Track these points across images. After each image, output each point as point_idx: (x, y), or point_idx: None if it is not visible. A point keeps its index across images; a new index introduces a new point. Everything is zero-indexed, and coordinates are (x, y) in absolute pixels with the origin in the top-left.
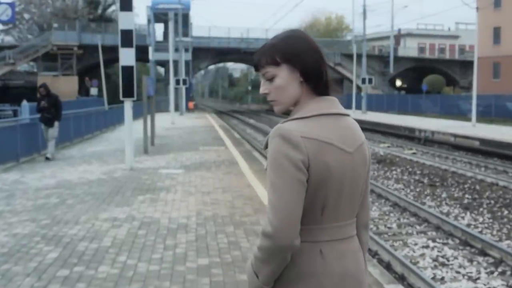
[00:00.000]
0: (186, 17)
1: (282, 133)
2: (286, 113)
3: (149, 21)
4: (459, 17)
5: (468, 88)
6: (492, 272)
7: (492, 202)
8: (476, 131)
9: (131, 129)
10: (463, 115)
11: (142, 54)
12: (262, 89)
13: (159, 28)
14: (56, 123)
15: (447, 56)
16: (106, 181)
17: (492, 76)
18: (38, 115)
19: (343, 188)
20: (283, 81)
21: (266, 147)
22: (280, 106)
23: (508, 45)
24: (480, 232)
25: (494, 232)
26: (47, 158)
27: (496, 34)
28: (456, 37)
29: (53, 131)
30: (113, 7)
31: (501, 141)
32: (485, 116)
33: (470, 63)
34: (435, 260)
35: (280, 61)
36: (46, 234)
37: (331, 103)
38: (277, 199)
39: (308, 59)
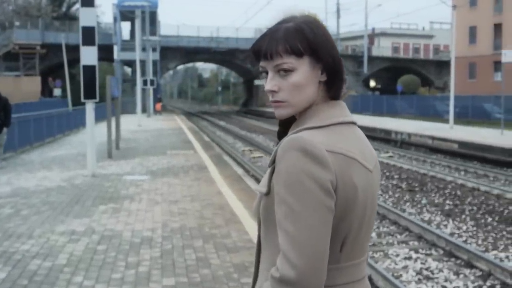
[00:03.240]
0: (153, 15)
1: (304, 146)
2: (285, 121)
3: (115, 19)
4: (434, 16)
5: (443, 88)
6: (480, 286)
7: (475, 208)
8: (454, 133)
9: (93, 132)
10: (439, 117)
11: (108, 53)
12: (271, 85)
13: (125, 26)
14: (5, 130)
15: (421, 56)
16: (66, 189)
17: (468, 76)
18: None
19: (364, 217)
20: (303, 78)
21: (273, 162)
22: (289, 110)
23: (484, 44)
24: (465, 241)
25: (480, 242)
26: None
27: (472, 33)
28: (430, 36)
29: (1, 138)
30: (77, 5)
31: (480, 143)
32: (462, 117)
33: (445, 63)
34: (419, 273)
35: (303, 52)
36: None
37: (344, 109)
38: (301, 232)
39: (334, 53)
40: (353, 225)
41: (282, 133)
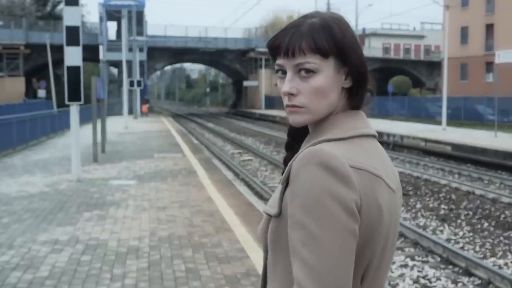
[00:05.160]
0: (140, 15)
1: (325, 160)
2: (295, 131)
3: (101, 19)
4: (424, 16)
5: (434, 89)
6: None
7: (471, 213)
8: (447, 135)
9: (77, 136)
10: (431, 118)
11: (94, 54)
12: (289, 87)
13: (111, 26)
14: None
15: (412, 56)
16: (49, 194)
17: (460, 77)
18: None
19: (387, 244)
20: (326, 82)
21: (286, 179)
22: (307, 117)
23: (476, 45)
24: (462, 248)
25: (477, 248)
26: None
27: (464, 34)
28: (421, 37)
29: None
30: (62, 4)
31: (474, 146)
32: (454, 119)
33: (436, 64)
34: (416, 281)
35: (329, 52)
36: None
37: (366, 121)
38: (321, 261)
39: (361, 55)
40: (375, 253)
41: (291, 145)
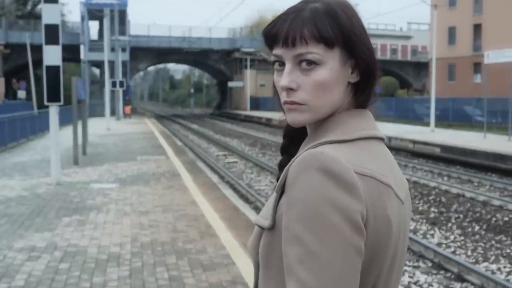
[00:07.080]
0: (123, 14)
1: (327, 165)
2: (292, 132)
3: (82, 18)
4: (411, 16)
5: (422, 90)
6: None
7: (461, 216)
8: (436, 137)
9: (57, 138)
10: (419, 120)
11: (75, 54)
12: (288, 81)
13: (93, 26)
14: None
15: (399, 57)
16: (27, 198)
17: (447, 78)
18: None
19: (395, 260)
20: (330, 75)
21: (283, 186)
22: (307, 116)
23: (464, 46)
24: (453, 252)
25: (469, 253)
26: None
27: (451, 34)
28: (408, 37)
29: None
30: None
31: (464, 147)
32: (442, 120)
33: (424, 65)
34: (407, 287)
35: (334, 41)
36: None
37: (372, 121)
38: (321, 281)
39: (370, 46)
40: (383, 270)
41: (287, 148)
